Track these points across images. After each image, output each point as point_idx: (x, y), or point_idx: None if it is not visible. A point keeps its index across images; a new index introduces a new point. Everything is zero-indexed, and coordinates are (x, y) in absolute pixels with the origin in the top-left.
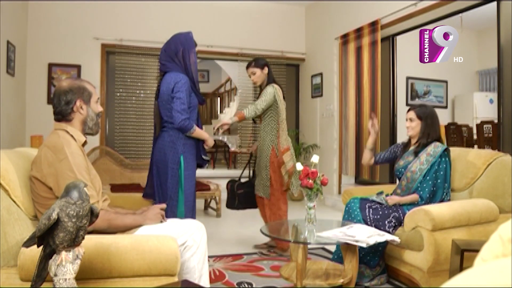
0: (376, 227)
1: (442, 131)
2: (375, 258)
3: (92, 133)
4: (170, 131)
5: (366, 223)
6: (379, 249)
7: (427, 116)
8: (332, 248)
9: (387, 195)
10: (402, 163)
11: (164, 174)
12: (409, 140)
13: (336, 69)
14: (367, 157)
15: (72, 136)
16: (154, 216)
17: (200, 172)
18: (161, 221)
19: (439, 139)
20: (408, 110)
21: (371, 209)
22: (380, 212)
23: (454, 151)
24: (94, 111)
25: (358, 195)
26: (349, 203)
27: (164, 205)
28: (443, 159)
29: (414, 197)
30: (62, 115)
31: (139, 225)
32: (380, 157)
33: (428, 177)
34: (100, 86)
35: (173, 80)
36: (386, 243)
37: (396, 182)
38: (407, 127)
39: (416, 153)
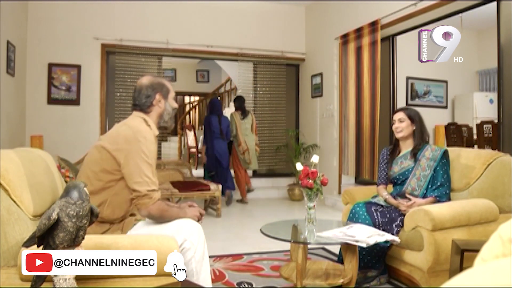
0: (384, 230)
1: (442, 131)
2: (380, 260)
3: (167, 126)
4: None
5: (375, 226)
6: (384, 250)
7: (418, 118)
8: (332, 248)
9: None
10: (397, 170)
11: (226, 159)
12: (395, 145)
13: (336, 69)
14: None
15: (149, 126)
16: (194, 214)
17: (200, 172)
18: (198, 220)
19: (428, 140)
20: (395, 112)
21: (378, 213)
22: (388, 215)
23: (454, 151)
24: (171, 106)
25: (358, 196)
26: (354, 208)
27: (203, 211)
28: (443, 160)
29: (431, 199)
30: (141, 107)
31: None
32: (386, 177)
33: (437, 181)
34: (100, 86)
35: (228, 120)
36: (390, 244)
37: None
38: (396, 127)
39: (415, 155)
